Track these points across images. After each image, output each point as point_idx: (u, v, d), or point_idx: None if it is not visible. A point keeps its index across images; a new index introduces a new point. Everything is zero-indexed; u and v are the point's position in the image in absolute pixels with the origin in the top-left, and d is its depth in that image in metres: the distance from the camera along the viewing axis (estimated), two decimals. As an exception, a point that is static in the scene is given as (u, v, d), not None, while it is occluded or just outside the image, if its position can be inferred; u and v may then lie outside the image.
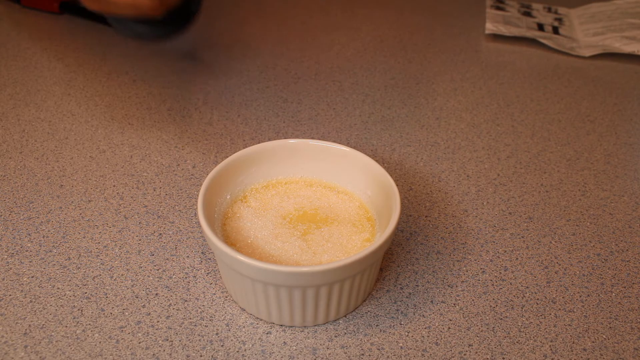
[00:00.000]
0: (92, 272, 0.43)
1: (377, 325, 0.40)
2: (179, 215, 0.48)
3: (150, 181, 0.51)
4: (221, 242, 0.37)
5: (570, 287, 0.43)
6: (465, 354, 0.38)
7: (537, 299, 0.42)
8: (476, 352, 0.38)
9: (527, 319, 0.41)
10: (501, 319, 0.41)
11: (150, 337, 0.39)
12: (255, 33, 0.75)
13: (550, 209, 0.50)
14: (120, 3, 0.50)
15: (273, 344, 0.39)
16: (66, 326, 0.39)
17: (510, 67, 0.70)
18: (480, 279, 0.43)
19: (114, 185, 0.51)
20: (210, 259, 0.44)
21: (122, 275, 0.43)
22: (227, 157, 0.44)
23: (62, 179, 0.51)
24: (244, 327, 0.40)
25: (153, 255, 0.44)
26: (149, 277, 0.43)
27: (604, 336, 0.40)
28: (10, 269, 0.43)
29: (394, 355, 0.38)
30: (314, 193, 0.45)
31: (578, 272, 0.44)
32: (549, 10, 0.81)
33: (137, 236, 0.46)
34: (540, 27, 0.77)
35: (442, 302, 0.42)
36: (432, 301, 0.42)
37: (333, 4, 0.84)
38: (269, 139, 0.56)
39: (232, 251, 0.36)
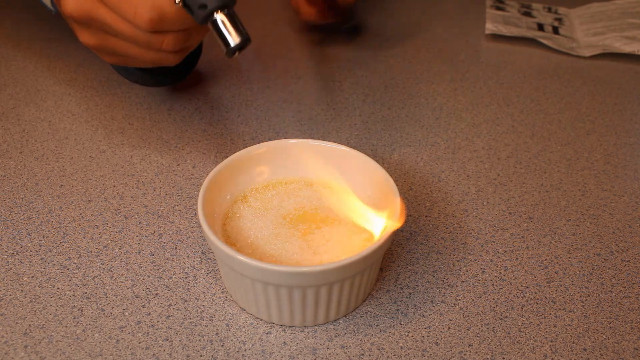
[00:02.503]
0: (92, 272, 0.43)
1: (377, 325, 0.40)
2: (179, 215, 0.48)
3: (150, 181, 0.51)
4: (221, 242, 0.37)
5: (570, 287, 0.43)
6: (465, 354, 0.38)
7: (537, 299, 0.42)
8: (476, 352, 0.38)
9: (527, 319, 0.41)
10: (501, 319, 0.41)
11: (150, 337, 0.39)
12: (255, 33, 0.75)
13: (550, 209, 0.50)
14: (144, 59, 0.46)
15: (273, 344, 0.39)
16: (66, 326, 0.39)
17: (510, 67, 0.70)
18: (480, 279, 0.43)
19: (114, 185, 0.51)
20: (210, 259, 0.44)
21: (122, 275, 0.43)
22: (227, 157, 0.44)
23: (62, 179, 0.51)
24: (244, 327, 0.40)
25: (153, 255, 0.44)
26: (149, 277, 0.43)
27: (604, 336, 0.40)
28: (10, 269, 0.43)
29: (394, 355, 0.38)
30: (314, 193, 0.45)
31: (578, 272, 0.44)
32: (549, 10, 0.81)
33: (137, 236, 0.46)
34: (540, 27, 0.77)
35: (442, 302, 0.42)
36: (432, 301, 0.42)
37: (333, 4, 0.84)
38: (269, 139, 0.56)
39: (232, 251, 0.36)
